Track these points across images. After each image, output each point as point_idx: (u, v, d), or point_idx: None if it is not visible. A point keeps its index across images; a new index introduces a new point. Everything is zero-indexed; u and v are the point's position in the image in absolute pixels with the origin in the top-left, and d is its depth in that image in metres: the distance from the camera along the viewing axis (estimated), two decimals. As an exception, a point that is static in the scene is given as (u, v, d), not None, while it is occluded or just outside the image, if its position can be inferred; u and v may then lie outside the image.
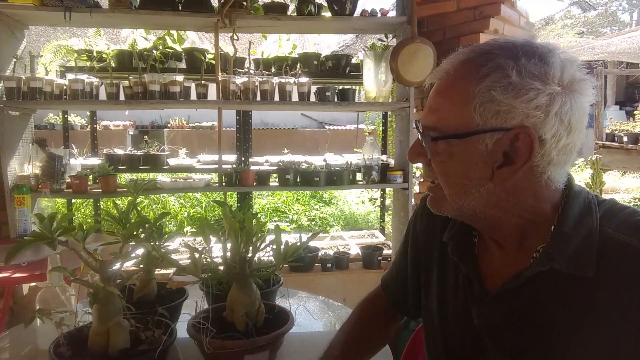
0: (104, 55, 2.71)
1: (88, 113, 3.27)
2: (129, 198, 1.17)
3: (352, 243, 3.33)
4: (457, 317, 0.85)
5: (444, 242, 0.88)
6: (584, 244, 0.70)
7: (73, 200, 3.26)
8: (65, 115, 3.01)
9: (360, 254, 2.95)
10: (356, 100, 2.91)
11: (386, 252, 2.95)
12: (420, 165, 1.18)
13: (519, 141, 0.67)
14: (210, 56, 2.79)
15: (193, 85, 2.58)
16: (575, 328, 0.70)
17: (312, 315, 1.36)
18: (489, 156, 0.69)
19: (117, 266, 0.94)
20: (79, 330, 0.96)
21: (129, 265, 1.54)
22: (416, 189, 2.96)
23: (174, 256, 1.04)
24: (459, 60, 0.72)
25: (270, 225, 1.18)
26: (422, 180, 3.02)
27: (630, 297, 0.66)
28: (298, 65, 2.85)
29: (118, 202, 2.47)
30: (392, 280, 1.06)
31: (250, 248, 1.00)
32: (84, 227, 0.93)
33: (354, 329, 1.03)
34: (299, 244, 0.99)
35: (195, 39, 3.18)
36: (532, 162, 0.68)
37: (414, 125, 0.78)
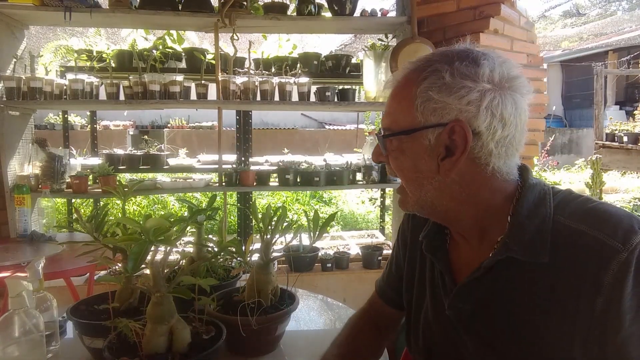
0: (104, 55, 2.71)
1: (88, 113, 3.27)
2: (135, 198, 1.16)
3: (352, 243, 3.33)
4: (435, 310, 0.90)
5: (420, 240, 0.94)
6: (538, 232, 0.75)
7: (73, 200, 3.26)
8: (65, 115, 3.01)
9: (360, 254, 2.95)
10: (356, 100, 2.91)
11: (386, 252, 2.95)
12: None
13: (455, 134, 0.74)
14: (210, 56, 2.79)
15: (193, 85, 2.58)
16: (536, 312, 0.74)
17: (311, 315, 1.36)
18: (433, 150, 0.77)
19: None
20: (118, 339, 0.93)
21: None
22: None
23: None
24: (407, 69, 0.80)
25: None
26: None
27: (581, 281, 0.70)
28: (298, 65, 2.85)
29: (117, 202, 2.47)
30: (389, 283, 1.10)
31: (271, 235, 1.11)
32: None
33: (346, 343, 1.02)
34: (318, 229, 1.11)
35: (195, 39, 3.18)
36: (473, 154, 0.75)
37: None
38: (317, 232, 1.10)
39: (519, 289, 0.76)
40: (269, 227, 1.12)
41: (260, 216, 1.12)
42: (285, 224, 1.13)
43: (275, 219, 1.12)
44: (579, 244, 0.72)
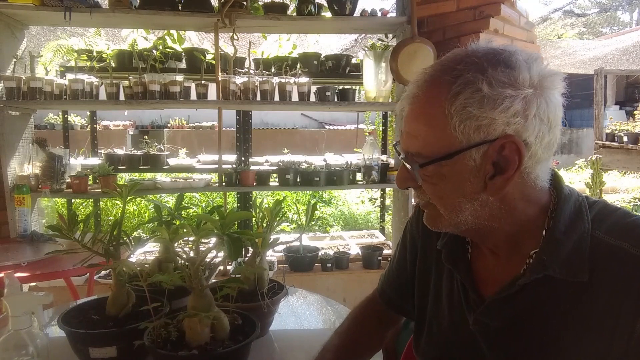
0: (104, 55, 2.71)
1: (88, 113, 3.27)
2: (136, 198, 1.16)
3: (352, 243, 3.33)
4: (454, 321, 0.85)
5: (438, 249, 0.88)
6: (576, 249, 0.70)
7: (73, 200, 3.27)
8: (65, 115, 3.01)
9: (360, 254, 2.95)
10: (356, 100, 2.91)
11: (386, 252, 2.95)
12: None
13: (505, 150, 0.68)
14: (210, 56, 2.79)
15: (193, 85, 2.58)
16: (570, 333, 0.70)
17: (310, 310, 1.37)
18: (479, 169, 0.70)
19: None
20: (160, 337, 0.93)
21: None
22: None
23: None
24: (424, 82, 0.71)
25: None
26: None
27: (620, 302, 0.66)
28: (298, 65, 2.85)
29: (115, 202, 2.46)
30: (389, 283, 1.06)
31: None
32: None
33: (348, 333, 1.02)
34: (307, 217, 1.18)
35: (195, 39, 3.18)
36: (522, 165, 0.69)
37: (395, 149, 0.77)
38: (308, 217, 1.16)
39: (552, 307, 0.71)
40: (273, 222, 1.16)
41: (265, 209, 1.18)
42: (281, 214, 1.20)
43: (276, 212, 1.18)
44: (619, 262, 0.67)
